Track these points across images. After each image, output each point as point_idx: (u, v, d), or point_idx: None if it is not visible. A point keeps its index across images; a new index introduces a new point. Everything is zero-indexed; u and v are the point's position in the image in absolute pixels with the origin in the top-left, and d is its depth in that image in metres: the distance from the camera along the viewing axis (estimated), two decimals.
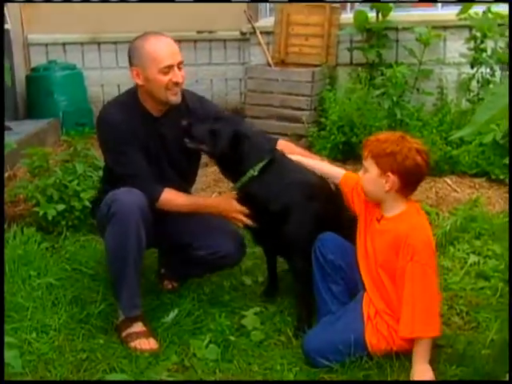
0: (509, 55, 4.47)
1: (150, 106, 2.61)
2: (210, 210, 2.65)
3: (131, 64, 2.55)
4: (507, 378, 1.90)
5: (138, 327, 2.52)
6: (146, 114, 2.61)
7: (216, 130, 2.56)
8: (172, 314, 2.67)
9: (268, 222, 2.58)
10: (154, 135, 2.62)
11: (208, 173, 4.55)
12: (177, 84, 2.54)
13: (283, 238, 2.58)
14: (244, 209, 2.59)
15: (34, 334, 2.51)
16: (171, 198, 2.58)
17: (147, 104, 2.61)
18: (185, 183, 2.83)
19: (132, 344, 2.47)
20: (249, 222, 2.60)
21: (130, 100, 2.62)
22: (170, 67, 2.50)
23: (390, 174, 2.25)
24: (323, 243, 2.47)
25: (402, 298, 2.23)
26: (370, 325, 2.31)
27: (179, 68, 2.54)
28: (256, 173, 2.53)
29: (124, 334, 2.51)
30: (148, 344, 2.46)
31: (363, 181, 2.37)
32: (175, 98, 2.57)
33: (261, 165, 2.54)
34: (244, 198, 2.60)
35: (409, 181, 2.27)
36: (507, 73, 4.65)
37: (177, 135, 2.64)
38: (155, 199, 2.54)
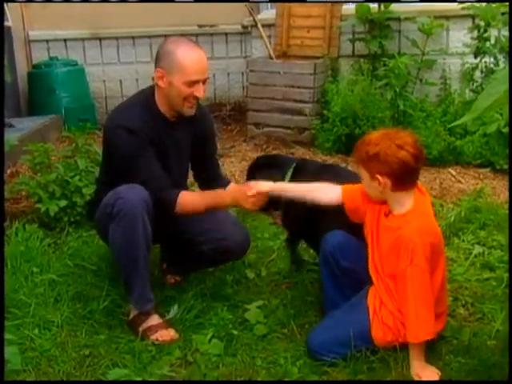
0: (509, 50, 4.43)
1: (166, 109, 2.58)
2: (224, 199, 2.61)
3: (157, 65, 2.52)
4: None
5: (155, 320, 2.52)
6: (161, 118, 2.59)
7: None
8: (174, 309, 2.65)
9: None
10: (170, 139, 2.61)
11: None
12: (196, 98, 2.53)
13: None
14: (257, 190, 2.50)
15: (36, 331, 2.49)
16: (188, 198, 2.57)
17: (163, 107, 2.58)
18: (184, 181, 2.85)
19: (153, 337, 2.47)
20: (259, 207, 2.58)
21: (146, 103, 2.59)
22: (197, 82, 2.49)
23: (378, 175, 2.23)
24: (333, 245, 2.43)
25: (406, 302, 2.20)
26: (375, 319, 2.29)
27: (203, 83, 2.52)
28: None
29: (141, 328, 2.50)
30: (169, 334, 2.48)
31: (364, 187, 2.35)
32: (190, 111, 2.56)
33: None
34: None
35: (399, 177, 2.22)
36: None
37: (188, 139, 2.68)
38: (174, 204, 2.52)
